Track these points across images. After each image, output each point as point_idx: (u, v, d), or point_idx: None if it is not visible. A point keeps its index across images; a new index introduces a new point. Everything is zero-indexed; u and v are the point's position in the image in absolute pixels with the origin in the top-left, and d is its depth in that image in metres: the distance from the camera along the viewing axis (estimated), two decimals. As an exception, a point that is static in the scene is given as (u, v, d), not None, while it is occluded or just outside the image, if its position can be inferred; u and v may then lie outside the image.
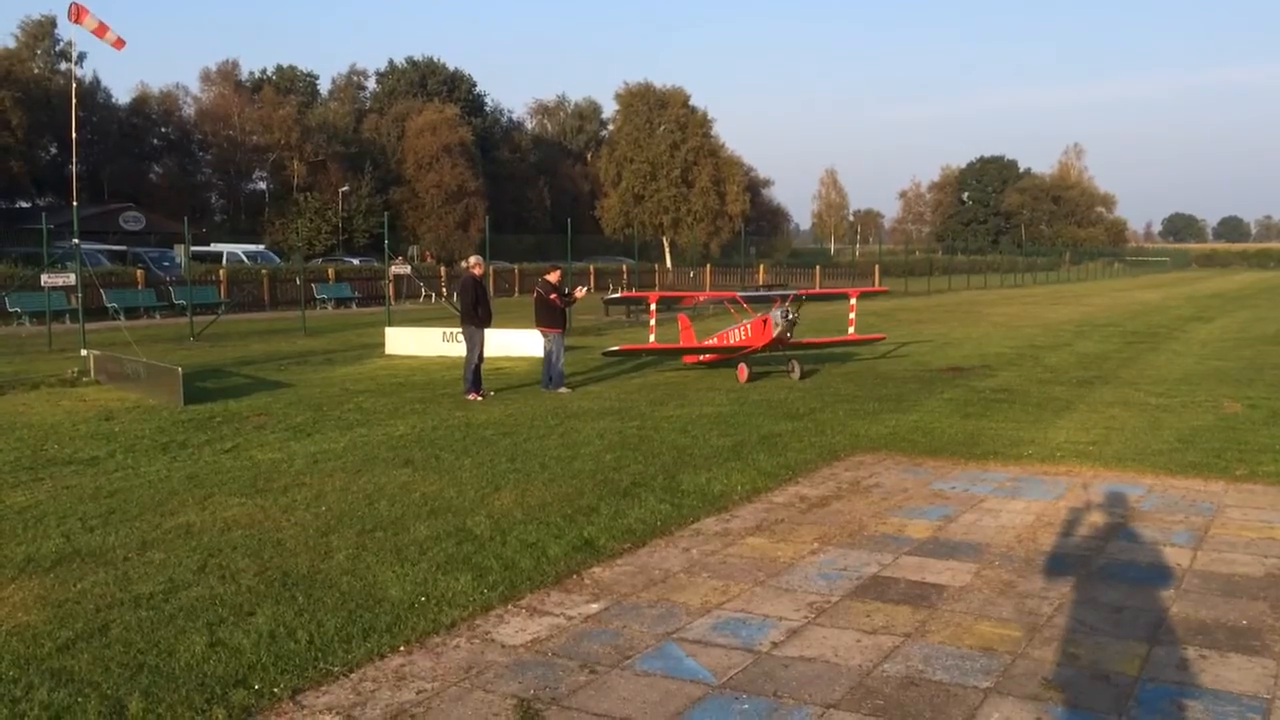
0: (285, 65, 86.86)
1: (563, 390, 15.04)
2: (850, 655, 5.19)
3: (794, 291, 18.21)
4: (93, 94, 67.61)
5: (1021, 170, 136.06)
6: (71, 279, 21.10)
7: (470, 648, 5.34)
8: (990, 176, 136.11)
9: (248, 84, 79.96)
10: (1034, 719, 4.47)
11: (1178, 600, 5.96)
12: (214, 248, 48.13)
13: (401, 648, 5.33)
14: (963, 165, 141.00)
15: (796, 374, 16.25)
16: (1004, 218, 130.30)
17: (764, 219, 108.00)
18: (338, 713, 4.60)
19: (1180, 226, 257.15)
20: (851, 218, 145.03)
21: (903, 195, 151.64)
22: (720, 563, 6.77)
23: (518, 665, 5.11)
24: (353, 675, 4.99)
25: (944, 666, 5.04)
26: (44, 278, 21.08)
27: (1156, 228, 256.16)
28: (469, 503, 8.29)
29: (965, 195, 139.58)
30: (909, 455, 10.27)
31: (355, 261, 52.16)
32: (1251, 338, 23.99)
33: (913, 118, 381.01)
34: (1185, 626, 5.54)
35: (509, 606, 5.95)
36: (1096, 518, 7.79)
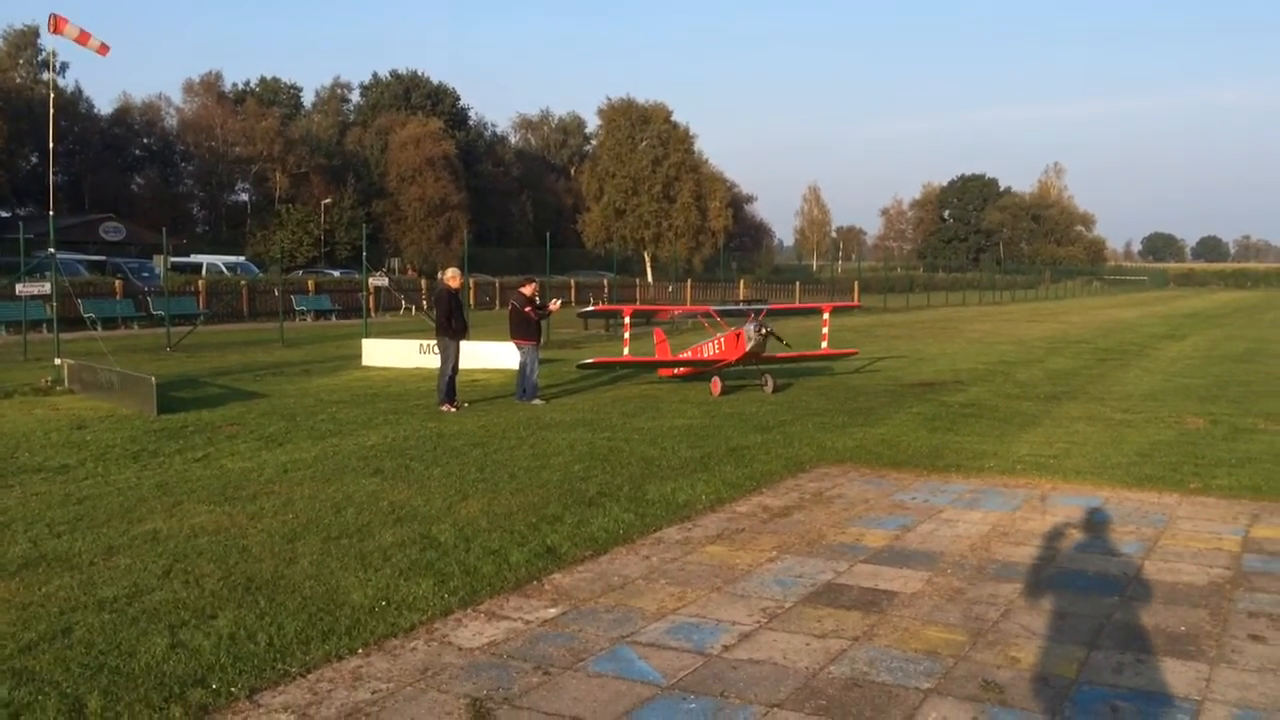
0: (269, 77, 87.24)
1: (536, 402, 15.15)
2: (798, 658, 5.32)
3: (767, 306, 18.35)
4: (75, 104, 67.55)
5: (1002, 189, 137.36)
6: (47, 288, 21.09)
7: (427, 650, 5.45)
8: (971, 195, 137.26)
9: (231, 95, 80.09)
10: (971, 718, 4.61)
11: (1121, 607, 6.11)
12: (194, 258, 48.12)
13: (360, 650, 5.42)
14: (944, 183, 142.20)
15: (769, 388, 16.40)
16: (984, 235, 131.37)
17: (747, 234, 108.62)
18: (293, 712, 4.69)
19: (1159, 246, 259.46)
20: (834, 234, 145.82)
21: (885, 213, 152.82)
22: (679, 570, 6.89)
23: (473, 667, 5.22)
24: (310, 676, 5.09)
25: (888, 669, 5.17)
26: (19, 287, 21.07)
27: (1136, 247, 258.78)
28: (435, 511, 8.38)
29: (946, 213, 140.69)
30: (873, 467, 10.43)
31: (336, 274, 52.16)
32: (1220, 356, 24.31)
33: (895, 135, 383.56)
34: (1126, 632, 5.70)
35: (468, 611, 6.05)
36: (1050, 528, 7.95)
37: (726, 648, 5.47)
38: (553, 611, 6.05)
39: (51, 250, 19.13)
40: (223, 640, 5.45)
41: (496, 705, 4.75)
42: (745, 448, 11.39)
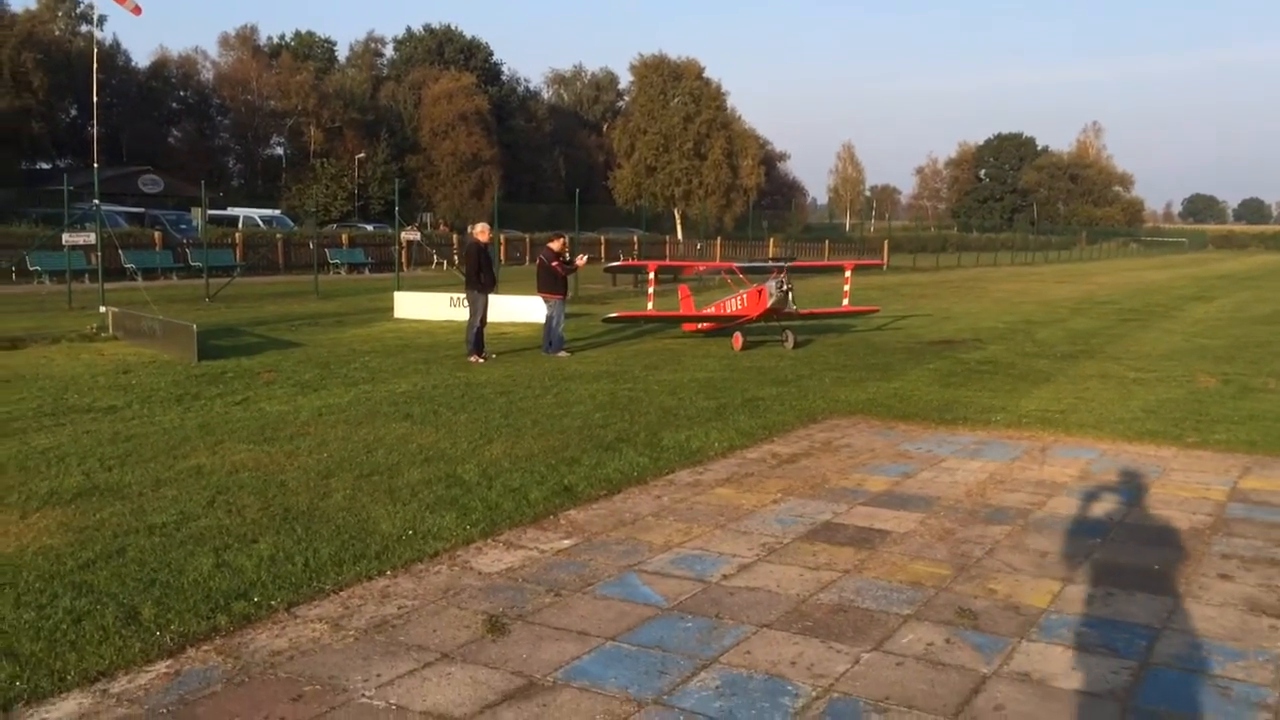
0: (303, 31, 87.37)
1: (562, 354, 15.59)
2: (791, 586, 5.74)
3: (789, 262, 18.65)
4: (112, 57, 68.16)
5: (1039, 148, 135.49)
6: (91, 238, 21.74)
7: (450, 574, 5.92)
8: (1007, 154, 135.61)
9: (266, 49, 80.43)
10: (943, 639, 5.02)
11: (1101, 548, 6.49)
12: (230, 211, 48.81)
13: (387, 572, 5.90)
14: (980, 142, 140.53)
15: (790, 343, 16.75)
16: (1020, 195, 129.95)
17: (779, 193, 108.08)
18: (327, 622, 5.18)
19: (1200, 207, 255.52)
20: (868, 193, 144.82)
21: (919, 172, 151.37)
22: (687, 508, 7.32)
23: (491, 588, 5.69)
24: (342, 593, 5.58)
25: (873, 597, 5.59)
26: (65, 237, 21.72)
27: (1176, 208, 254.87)
28: (461, 453, 8.85)
29: (982, 172, 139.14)
30: (883, 419, 10.80)
31: (370, 228, 52.74)
32: (1245, 318, 24.35)
33: (932, 93, 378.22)
34: (1102, 569, 6.07)
35: (488, 541, 6.52)
36: (1045, 476, 8.31)
37: (725, 577, 5.91)
38: (566, 543, 6.50)
39: (96, 202, 19.72)
40: (263, 561, 5.95)
41: (510, 621, 5.21)
42: (760, 399, 11.78)
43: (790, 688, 4.49)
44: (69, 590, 5.47)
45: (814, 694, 4.43)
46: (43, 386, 12.19)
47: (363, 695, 4.39)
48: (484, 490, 7.60)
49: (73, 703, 4.31)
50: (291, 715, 4.21)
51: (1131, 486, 8.03)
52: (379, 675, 4.58)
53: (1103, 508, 7.42)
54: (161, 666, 4.67)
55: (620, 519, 7.04)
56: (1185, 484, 8.12)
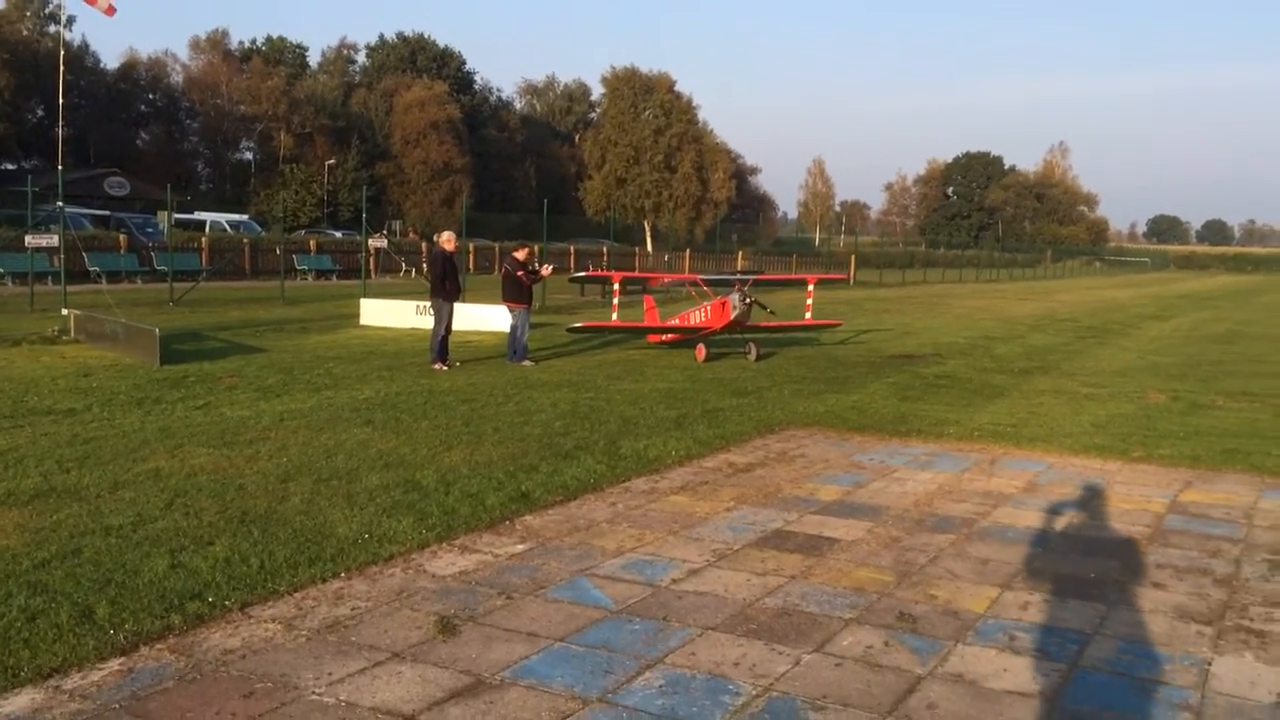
0: (275, 36, 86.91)
1: (526, 363, 15.69)
2: (738, 591, 5.89)
3: (753, 276, 18.86)
4: (81, 58, 67.61)
5: (1006, 167, 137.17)
6: (55, 240, 21.61)
7: (404, 576, 6.01)
8: (975, 172, 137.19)
9: (237, 53, 80.00)
10: (882, 641, 5.17)
11: (1041, 557, 6.68)
12: (197, 216, 48.51)
13: (342, 574, 5.99)
14: (949, 160, 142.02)
15: (753, 355, 16.93)
16: (987, 213, 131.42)
17: (750, 206, 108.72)
18: (280, 622, 5.26)
19: (1164, 228, 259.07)
20: (838, 208, 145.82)
21: (888, 188, 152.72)
22: (642, 515, 7.45)
23: (444, 591, 5.79)
24: (296, 594, 5.66)
25: (817, 602, 5.74)
26: (28, 239, 21.59)
27: (1141, 228, 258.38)
28: (421, 459, 8.94)
29: (950, 190, 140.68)
30: (839, 431, 10.98)
31: (338, 234, 52.59)
32: (1200, 336, 24.84)
33: (902, 110, 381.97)
34: (1040, 577, 6.26)
35: (443, 545, 6.62)
36: (992, 488, 8.51)
37: (675, 581, 6.04)
38: (520, 547, 6.61)
39: (60, 204, 19.63)
40: (218, 563, 6.02)
41: (462, 622, 5.32)
42: (720, 410, 11.94)
43: (731, 687, 4.62)
44: (23, 589, 5.52)
45: (754, 693, 4.56)
46: (2, 389, 12.15)
47: (313, 692, 4.48)
48: (441, 495, 7.69)
49: (25, 698, 4.38)
50: (243, 711, 4.30)
51: (1076, 499, 8.24)
52: (330, 674, 4.67)
53: (1046, 519, 7.62)
54: (115, 664, 4.73)
55: (575, 525, 7.16)
56: (1128, 496, 8.34)
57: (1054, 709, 4.48)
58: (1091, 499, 8.23)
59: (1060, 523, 7.52)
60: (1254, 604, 5.89)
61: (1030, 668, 4.90)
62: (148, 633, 5.04)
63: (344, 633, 5.15)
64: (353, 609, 5.47)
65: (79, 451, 8.90)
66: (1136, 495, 8.39)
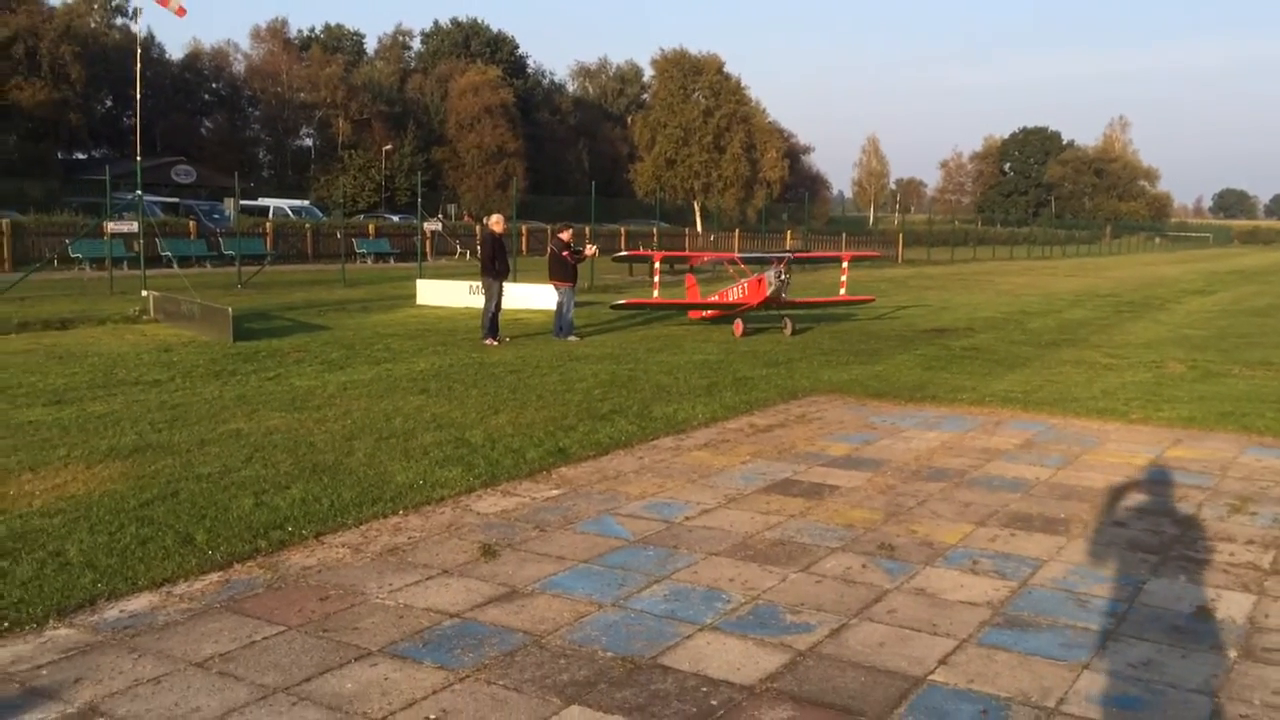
0: (333, 24, 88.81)
1: (571, 339, 16.62)
2: (741, 526, 6.75)
3: (789, 254, 19.60)
4: (147, 49, 69.61)
5: (1064, 142, 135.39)
6: (134, 227, 22.97)
7: (453, 514, 6.96)
8: (1033, 148, 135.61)
9: (296, 42, 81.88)
10: (860, 564, 6.01)
11: (1019, 501, 7.44)
12: (261, 202, 50.19)
13: (400, 512, 6.95)
14: (1005, 136, 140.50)
15: (789, 330, 17.70)
16: (1045, 189, 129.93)
17: (803, 185, 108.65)
18: (348, 547, 6.23)
19: (1231, 202, 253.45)
20: (893, 186, 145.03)
21: (944, 165, 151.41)
22: (665, 467, 8.33)
23: (487, 525, 6.72)
24: (361, 526, 6.63)
25: (810, 534, 6.58)
26: (110, 225, 22.98)
27: (1207, 203, 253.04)
28: (470, 421, 9.90)
29: (1007, 166, 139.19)
30: (858, 397, 11.75)
31: (396, 219, 53.98)
32: (1237, 310, 25.08)
33: (957, 86, 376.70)
34: (1014, 516, 7.04)
35: (488, 490, 7.55)
36: (991, 445, 9.25)
37: (687, 519, 6.91)
38: (555, 492, 7.53)
39: (139, 192, 20.92)
40: (295, 502, 7.01)
41: (501, 548, 6.25)
42: (750, 379, 12.76)
43: (725, 596, 5.49)
44: (134, 522, 6.54)
45: (743, 600, 5.43)
46: (93, 363, 13.34)
47: (376, 597, 5.44)
48: (487, 451, 8.63)
49: (144, 599, 5.38)
50: (320, 610, 5.26)
51: (1065, 454, 8.96)
52: (390, 584, 5.63)
53: (1032, 470, 8.36)
54: (214, 576, 5.73)
55: (604, 474, 8.06)
56: (1116, 452, 9.04)
57: (996, 614, 5.29)
58: (1081, 454, 8.94)
59: (1045, 474, 8.25)
60: (1202, 539, 6.62)
61: (985, 585, 5.71)
62: (239, 554, 6.03)
63: (402, 555, 6.10)
64: (409, 538, 6.42)
65: (168, 415, 9.99)
66: (1125, 451, 9.08)
